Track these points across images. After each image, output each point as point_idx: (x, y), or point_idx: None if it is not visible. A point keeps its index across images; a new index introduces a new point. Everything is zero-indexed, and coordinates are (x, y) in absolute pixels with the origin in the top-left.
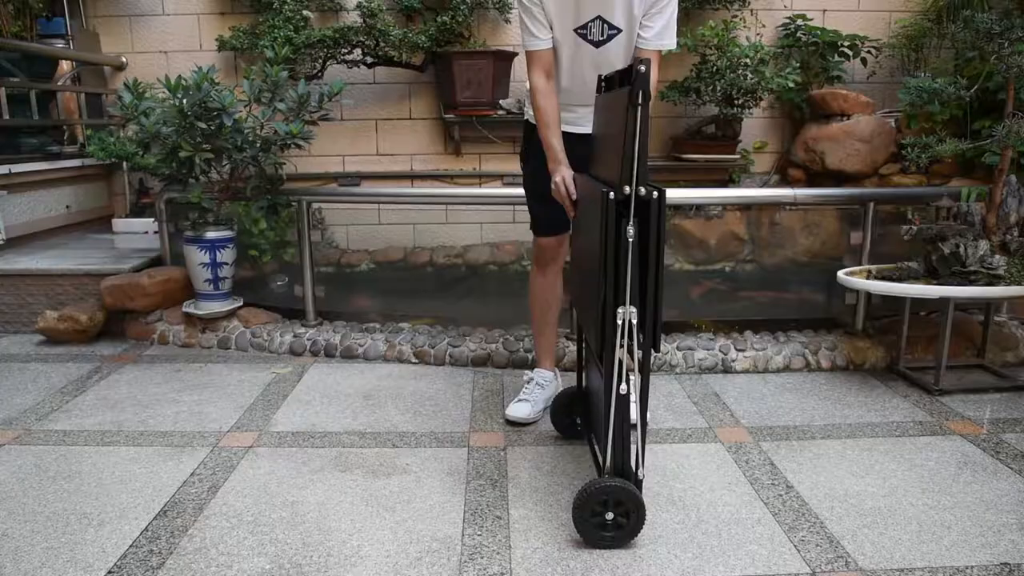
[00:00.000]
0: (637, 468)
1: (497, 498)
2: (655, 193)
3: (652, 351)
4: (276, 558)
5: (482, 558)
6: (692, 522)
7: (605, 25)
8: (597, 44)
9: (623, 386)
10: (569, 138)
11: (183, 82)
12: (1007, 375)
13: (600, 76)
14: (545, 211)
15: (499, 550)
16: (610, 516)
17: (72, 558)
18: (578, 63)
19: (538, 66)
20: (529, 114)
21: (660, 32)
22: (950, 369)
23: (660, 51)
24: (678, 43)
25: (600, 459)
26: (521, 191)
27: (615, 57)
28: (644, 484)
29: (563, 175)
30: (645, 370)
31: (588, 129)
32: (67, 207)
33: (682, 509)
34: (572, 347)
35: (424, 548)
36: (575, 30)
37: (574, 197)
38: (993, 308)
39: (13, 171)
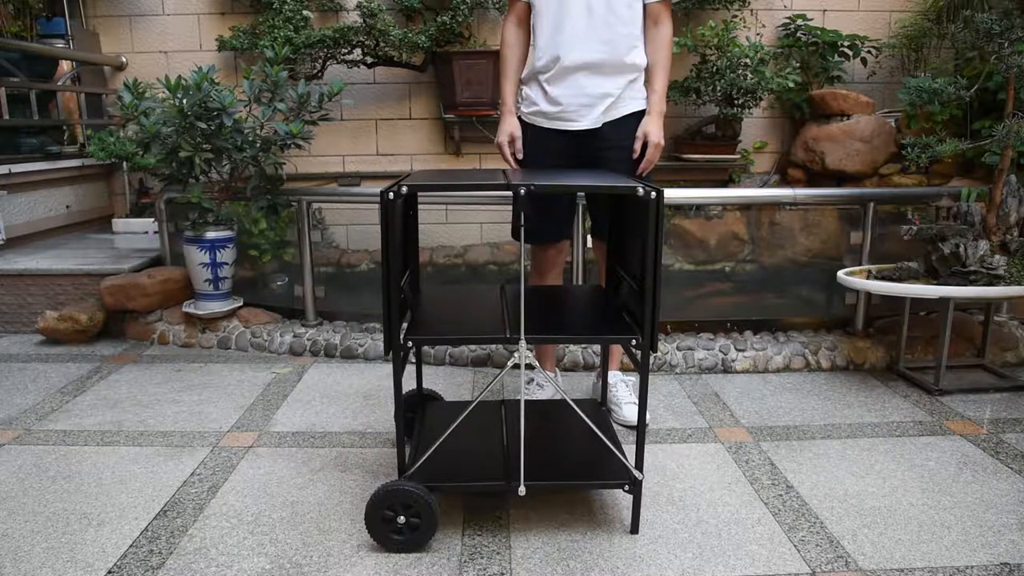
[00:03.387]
0: (636, 468)
1: (497, 497)
2: (653, 193)
3: (650, 352)
4: (276, 558)
5: (482, 558)
6: (692, 522)
7: None
8: None
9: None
10: (563, 137)
11: (183, 82)
12: (1007, 375)
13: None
14: (536, 220)
15: (499, 550)
16: (402, 519)
17: (72, 558)
18: (566, 5)
19: (512, 14)
20: (522, 111)
21: None
22: (950, 369)
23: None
24: (677, 43)
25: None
26: None
27: None
28: (644, 484)
29: (507, 133)
30: (644, 370)
31: (584, 124)
32: (67, 207)
33: (682, 509)
34: (572, 348)
35: (425, 547)
36: None
37: (514, 162)
38: (993, 308)
39: (13, 171)
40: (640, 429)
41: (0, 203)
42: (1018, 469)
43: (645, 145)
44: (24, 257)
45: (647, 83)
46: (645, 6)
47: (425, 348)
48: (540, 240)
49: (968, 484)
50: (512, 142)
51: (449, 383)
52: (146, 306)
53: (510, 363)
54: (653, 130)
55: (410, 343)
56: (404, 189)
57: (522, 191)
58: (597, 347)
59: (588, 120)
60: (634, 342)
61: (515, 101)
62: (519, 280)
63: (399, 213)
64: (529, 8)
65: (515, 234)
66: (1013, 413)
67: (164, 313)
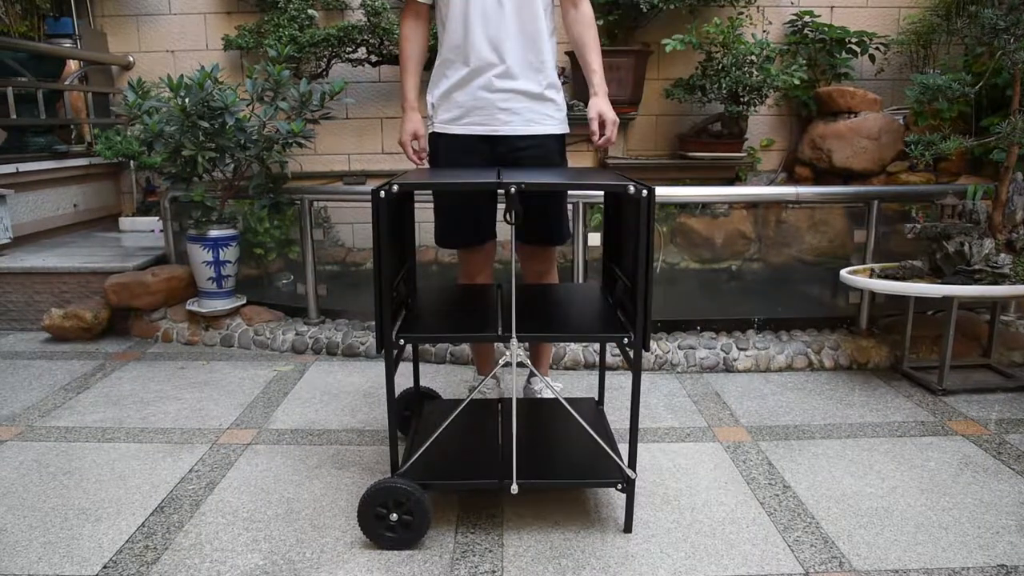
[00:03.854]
0: (628, 467)
1: (491, 495)
2: (644, 192)
3: (643, 350)
4: (270, 554)
5: (474, 555)
6: (686, 521)
7: None
8: None
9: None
10: (487, 142)
11: (186, 81)
12: (1013, 375)
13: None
14: (453, 220)
15: (491, 548)
16: (394, 517)
17: (68, 553)
18: (465, 4)
19: (409, 14)
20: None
21: None
22: (955, 369)
23: None
24: (682, 41)
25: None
26: None
27: None
28: (638, 483)
29: (411, 130)
30: (636, 368)
31: (509, 129)
32: (74, 205)
33: (676, 508)
34: (573, 346)
35: (417, 545)
36: None
37: (419, 160)
38: (999, 307)
39: (21, 170)
40: (633, 428)
41: (8, 202)
42: (1020, 470)
43: (603, 125)
44: (31, 255)
45: (583, 64)
46: None
47: (427, 347)
48: (465, 243)
49: (968, 485)
50: (416, 139)
51: (449, 381)
52: (150, 304)
53: (501, 361)
54: (607, 109)
55: (402, 340)
56: (395, 188)
57: (512, 189)
58: (597, 345)
59: (513, 124)
60: (626, 340)
61: (416, 97)
62: (516, 278)
63: (390, 212)
64: (449, 9)
65: (461, 240)
66: (1018, 413)
67: (168, 311)
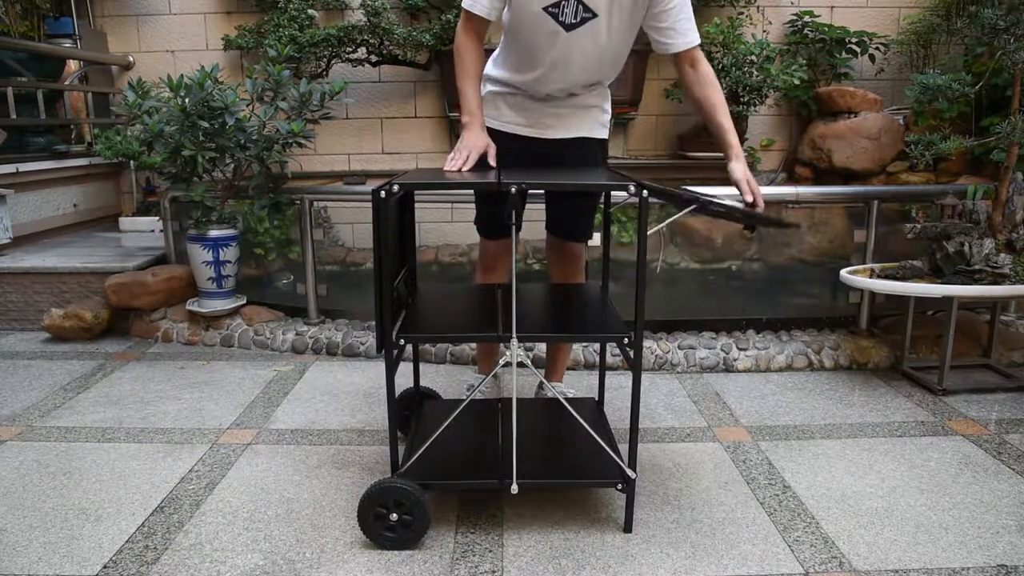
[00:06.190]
0: (628, 467)
1: (492, 495)
2: (644, 192)
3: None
4: (270, 554)
5: (474, 555)
6: (686, 521)
7: (580, 6)
8: (568, 27)
9: None
10: (535, 143)
11: (186, 81)
12: (1013, 375)
13: None
14: (489, 211)
15: (491, 548)
16: (394, 517)
17: (68, 553)
18: (545, 49)
19: (469, 28)
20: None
21: (686, 26)
22: (955, 369)
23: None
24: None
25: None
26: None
27: (588, 46)
28: (638, 483)
29: (471, 144)
30: (636, 368)
31: (551, 134)
32: (74, 205)
33: (676, 508)
34: (573, 346)
35: (417, 545)
36: (545, 8)
37: (465, 169)
38: (999, 307)
39: (21, 170)
40: (633, 427)
41: (8, 202)
42: (1020, 470)
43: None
44: (31, 255)
45: (714, 127)
46: (678, 53)
47: (427, 347)
48: (495, 233)
49: (968, 485)
50: (468, 160)
51: (450, 381)
52: (150, 304)
53: (502, 361)
54: (749, 173)
55: (402, 340)
56: (396, 188)
57: (513, 189)
58: (597, 345)
59: (558, 131)
60: (626, 340)
61: (480, 108)
62: (519, 278)
63: (391, 212)
64: (519, 38)
65: (492, 230)
66: (1018, 413)
67: (168, 311)
